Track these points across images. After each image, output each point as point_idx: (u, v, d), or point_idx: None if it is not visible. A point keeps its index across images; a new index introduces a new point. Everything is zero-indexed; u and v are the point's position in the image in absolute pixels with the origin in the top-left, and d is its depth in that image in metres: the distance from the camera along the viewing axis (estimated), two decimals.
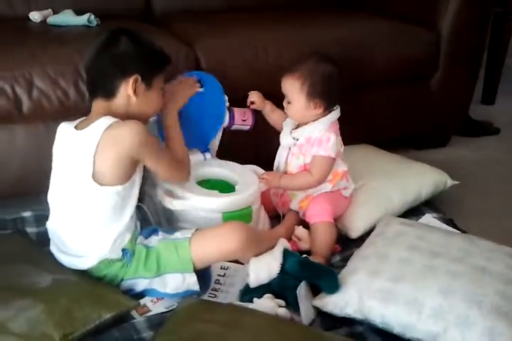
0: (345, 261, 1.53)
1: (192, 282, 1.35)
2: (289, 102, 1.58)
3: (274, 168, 1.68)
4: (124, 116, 1.33)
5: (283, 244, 1.42)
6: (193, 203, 1.47)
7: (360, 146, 1.99)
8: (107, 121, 1.28)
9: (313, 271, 1.35)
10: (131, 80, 1.31)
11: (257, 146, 1.87)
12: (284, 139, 1.63)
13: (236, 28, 1.92)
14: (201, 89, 1.59)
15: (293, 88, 1.55)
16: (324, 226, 1.55)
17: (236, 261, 1.48)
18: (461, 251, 1.39)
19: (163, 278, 1.35)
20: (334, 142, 1.56)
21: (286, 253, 1.38)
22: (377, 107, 2.07)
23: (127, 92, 1.32)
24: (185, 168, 1.46)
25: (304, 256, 1.43)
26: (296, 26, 1.95)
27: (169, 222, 1.53)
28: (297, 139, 1.61)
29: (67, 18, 1.92)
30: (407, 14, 2.11)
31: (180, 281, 1.35)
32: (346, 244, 1.62)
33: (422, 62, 2.07)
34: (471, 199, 1.96)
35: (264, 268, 1.34)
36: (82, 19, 1.89)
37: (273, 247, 1.42)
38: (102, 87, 1.33)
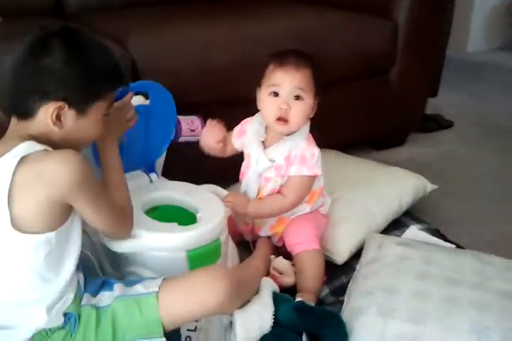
0: (336, 294, 1.31)
1: None
2: (298, 98, 1.25)
3: None
4: (48, 143, 0.98)
5: (270, 285, 1.15)
6: (147, 242, 1.15)
7: (324, 152, 1.74)
8: (27, 148, 0.93)
9: (314, 317, 1.09)
10: (51, 108, 0.95)
11: (210, 160, 1.56)
12: (259, 164, 1.31)
13: (173, 23, 1.61)
14: (146, 102, 1.28)
15: (305, 79, 1.24)
16: (312, 255, 1.29)
17: None
18: (477, 275, 1.18)
19: None
20: (318, 157, 1.30)
21: (275, 297, 1.11)
22: (335, 108, 1.81)
23: (46, 120, 0.96)
24: (126, 218, 1.11)
25: (298, 299, 1.16)
26: (244, 19, 1.69)
27: (116, 267, 1.21)
28: (274, 160, 1.31)
29: None
30: (360, 4, 1.90)
31: None
32: (331, 272, 1.37)
33: (381, 54, 1.88)
34: (448, 203, 1.78)
35: (255, 321, 1.06)
36: None
37: (257, 289, 1.15)
38: (15, 103, 0.98)
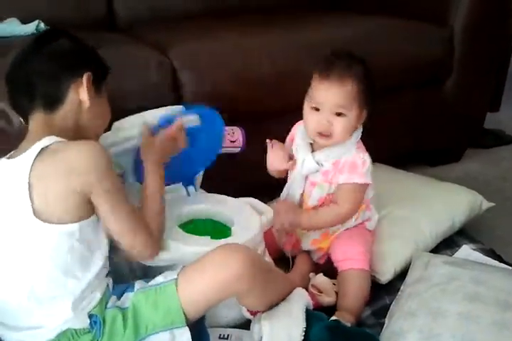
0: (377, 315, 1.22)
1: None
2: (339, 114, 1.19)
3: None
4: (73, 132, 1.03)
5: (303, 299, 1.08)
6: (178, 256, 1.11)
7: (373, 166, 1.66)
8: (47, 141, 0.96)
9: (347, 338, 1.02)
10: (84, 78, 1.01)
11: (250, 173, 1.51)
12: (305, 166, 1.26)
13: (218, 33, 1.59)
14: (197, 123, 1.26)
15: (348, 95, 1.18)
16: (358, 275, 1.22)
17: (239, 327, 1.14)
18: None
19: None
20: (369, 165, 1.24)
21: (308, 315, 1.04)
22: (386, 119, 1.76)
23: (79, 96, 1.02)
24: (152, 239, 1.05)
25: (334, 318, 1.09)
26: (290, 29, 1.64)
27: (148, 276, 1.16)
28: (322, 164, 1.26)
29: (12, 27, 1.58)
30: (413, 10, 1.82)
31: None
32: (375, 292, 1.28)
33: (435, 63, 1.79)
34: (506, 222, 1.66)
35: (283, 336, 1.00)
36: (30, 28, 1.56)
37: (285, 295, 1.11)
38: (43, 94, 1.01)
